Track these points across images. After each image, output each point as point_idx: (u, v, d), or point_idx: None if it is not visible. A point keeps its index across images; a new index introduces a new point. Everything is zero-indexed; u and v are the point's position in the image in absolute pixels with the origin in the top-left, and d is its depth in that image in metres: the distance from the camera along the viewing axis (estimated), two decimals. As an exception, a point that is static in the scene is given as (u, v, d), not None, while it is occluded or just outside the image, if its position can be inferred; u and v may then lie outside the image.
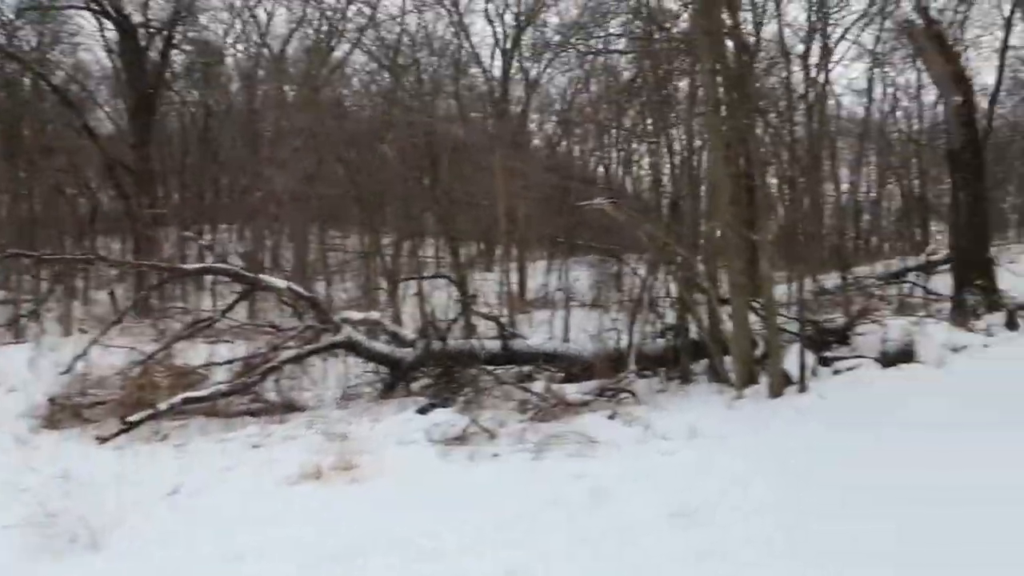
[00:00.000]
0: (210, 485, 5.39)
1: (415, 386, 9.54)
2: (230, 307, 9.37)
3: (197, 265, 10.34)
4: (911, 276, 14.74)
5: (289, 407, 8.68)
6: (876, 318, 9.99)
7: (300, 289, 9.18)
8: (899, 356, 8.73)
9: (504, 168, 12.68)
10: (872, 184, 25.87)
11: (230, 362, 9.32)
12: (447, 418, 7.36)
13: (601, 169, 24.42)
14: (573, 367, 9.57)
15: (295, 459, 6.00)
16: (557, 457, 5.90)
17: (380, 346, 9.32)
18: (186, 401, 7.71)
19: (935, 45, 11.91)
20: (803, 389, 8.16)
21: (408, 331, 10.11)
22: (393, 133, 17.71)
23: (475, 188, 14.30)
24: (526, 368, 10.20)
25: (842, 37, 17.29)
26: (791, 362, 8.47)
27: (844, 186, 24.62)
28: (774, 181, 20.69)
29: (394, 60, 23.88)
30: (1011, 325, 10.30)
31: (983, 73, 21.57)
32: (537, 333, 13.44)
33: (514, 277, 20.20)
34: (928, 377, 8.29)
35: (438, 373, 9.40)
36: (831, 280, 15.03)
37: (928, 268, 14.73)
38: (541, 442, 6.28)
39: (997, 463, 4.91)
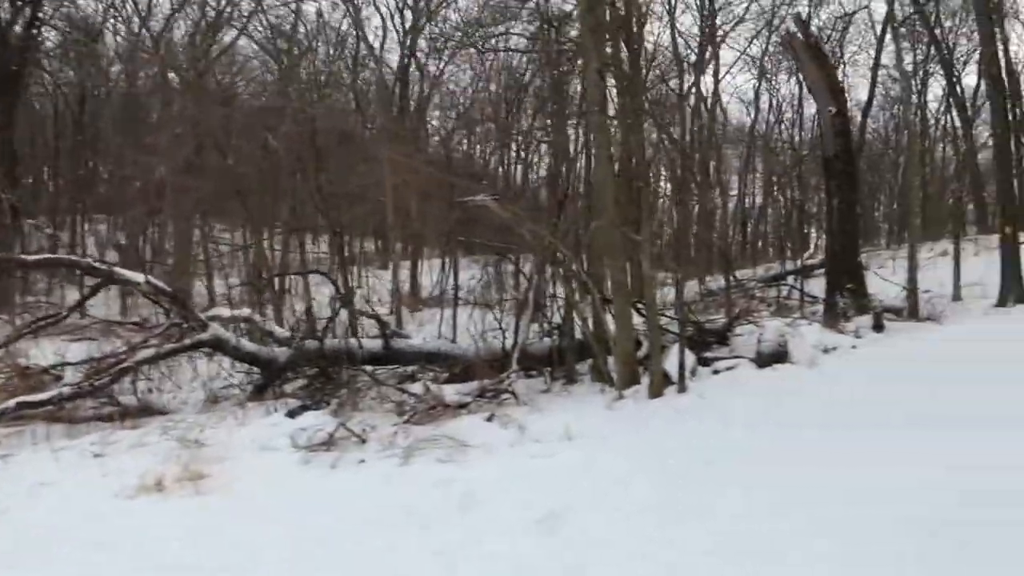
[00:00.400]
0: (28, 501, 4.78)
1: (289, 388, 9.04)
2: (80, 302, 8.58)
3: (39, 256, 9.39)
4: (789, 279, 15.32)
5: (146, 411, 8.03)
6: (754, 319, 10.22)
7: (159, 283, 8.49)
8: (774, 357, 8.94)
9: (393, 162, 12.28)
10: (758, 191, 27.02)
11: (84, 362, 8.55)
12: (317, 422, 6.92)
13: (500, 168, 24.40)
14: (456, 367, 9.32)
15: (139, 469, 5.46)
16: (426, 462, 5.60)
17: (249, 345, 8.77)
18: (21, 406, 6.94)
19: (812, 56, 12.39)
20: (683, 389, 8.19)
21: (283, 329, 9.57)
22: (280, 122, 16.98)
23: (364, 182, 13.81)
24: (410, 368, 9.89)
25: (722, 40, 17.89)
26: (672, 362, 8.51)
27: (732, 193, 25.63)
28: (667, 186, 21.24)
29: (288, 49, 23.02)
30: (878, 327, 10.79)
31: (858, 88, 22.89)
32: (427, 332, 13.15)
33: (407, 274, 19.86)
34: (801, 377, 8.51)
35: (313, 374, 8.94)
36: (717, 282, 15.46)
37: (805, 272, 15.36)
38: (411, 446, 5.96)
39: (864, 462, 5.00)
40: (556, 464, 5.51)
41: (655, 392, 8.11)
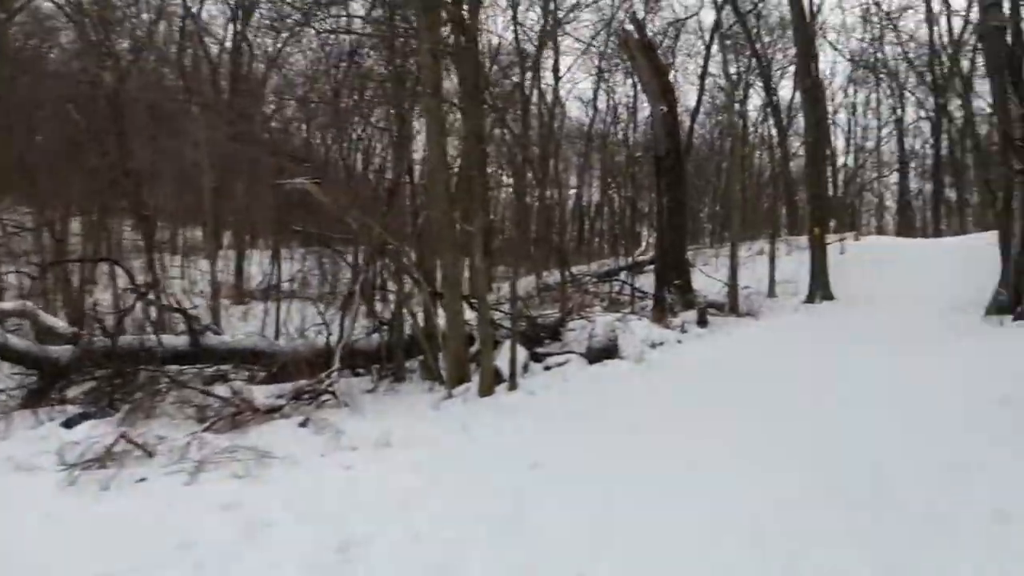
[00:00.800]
0: None
1: (74, 392, 7.88)
2: None
3: None
4: (622, 275, 15.67)
5: None
6: (587, 314, 10.23)
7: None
8: (604, 352, 8.97)
9: (213, 142, 11.21)
10: (595, 189, 27.74)
11: None
12: (98, 432, 5.99)
13: (340, 156, 23.27)
14: (275, 366, 8.55)
15: None
16: (217, 479, 4.91)
17: (19, 343, 7.54)
18: None
19: (646, 55, 12.63)
20: (513, 387, 7.98)
21: (68, 325, 8.36)
22: (87, 92, 15.15)
23: (179, 162, 12.54)
24: (223, 368, 8.99)
25: (557, 25, 18.03)
26: (504, 359, 8.27)
27: (571, 189, 26.13)
28: (507, 179, 21.20)
29: (100, 14, 20.66)
30: (702, 323, 11.18)
31: (688, 95, 23.97)
32: (250, 327, 12.18)
33: (232, 264, 18.45)
34: (628, 373, 8.58)
35: (104, 376, 7.84)
36: (553, 277, 15.52)
37: (636, 268, 15.79)
38: (205, 460, 5.23)
39: (684, 460, 4.98)
40: (367, 477, 5.02)
41: (485, 390, 7.84)
